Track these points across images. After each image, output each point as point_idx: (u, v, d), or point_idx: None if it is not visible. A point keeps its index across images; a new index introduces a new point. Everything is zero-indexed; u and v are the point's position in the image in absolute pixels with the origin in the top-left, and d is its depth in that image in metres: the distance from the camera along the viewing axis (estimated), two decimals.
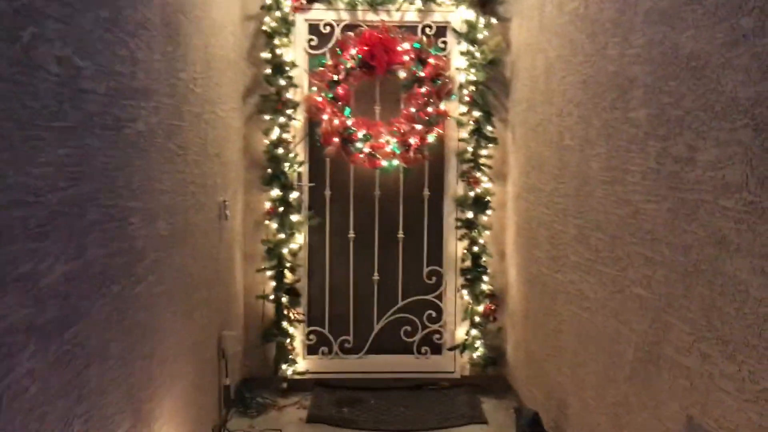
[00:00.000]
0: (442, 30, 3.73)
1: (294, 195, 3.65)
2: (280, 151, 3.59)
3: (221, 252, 3.13)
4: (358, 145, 3.60)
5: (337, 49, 3.60)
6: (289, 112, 3.60)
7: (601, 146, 2.32)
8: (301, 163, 3.68)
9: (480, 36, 3.60)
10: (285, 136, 3.60)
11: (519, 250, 3.48)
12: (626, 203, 2.08)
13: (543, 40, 3.03)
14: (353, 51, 3.56)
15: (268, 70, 3.58)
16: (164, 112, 2.19)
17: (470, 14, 3.61)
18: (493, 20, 3.61)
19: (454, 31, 3.67)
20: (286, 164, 3.60)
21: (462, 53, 3.65)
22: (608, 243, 2.24)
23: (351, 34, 3.59)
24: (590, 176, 2.42)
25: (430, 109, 3.60)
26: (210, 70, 2.87)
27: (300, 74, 3.66)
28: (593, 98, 2.39)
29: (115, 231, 1.74)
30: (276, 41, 3.56)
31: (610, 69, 2.23)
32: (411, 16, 3.69)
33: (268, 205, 3.64)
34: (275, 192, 3.61)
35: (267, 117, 3.60)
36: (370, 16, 3.66)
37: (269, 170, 3.61)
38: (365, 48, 3.53)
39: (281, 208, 3.61)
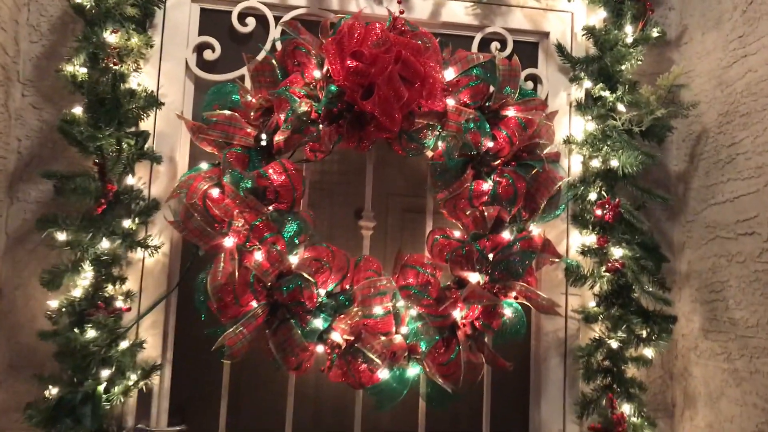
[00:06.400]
0: (528, 49, 1.60)
1: None
2: (90, 334, 1.21)
3: None
4: (315, 323, 1.27)
5: (276, 67, 1.36)
6: (126, 223, 1.29)
7: None
8: (154, 368, 1.31)
9: (624, 66, 1.48)
10: (108, 289, 1.26)
11: None
12: None
13: None
14: (318, 73, 1.34)
15: (79, 110, 1.29)
16: None
17: (599, 16, 1.53)
18: (655, 31, 1.51)
19: (560, 51, 1.54)
20: (103, 375, 1.23)
21: (579, 105, 1.51)
22: None
23: (314, 38, 1.38)
24: None
25: (507, 237, 1.36)
26: None
27: (170, 126, 1.40)
28: None
29: None
30: (107, 36, 1.30)
31: None
32: (459, 12, 1.55)
33: None
34: None
35: (61, 239, 1.25)
36: (368, 7, 1.51)
37: (51, 392, 1.21)
38: (352, 66, 1.31)
39: None
